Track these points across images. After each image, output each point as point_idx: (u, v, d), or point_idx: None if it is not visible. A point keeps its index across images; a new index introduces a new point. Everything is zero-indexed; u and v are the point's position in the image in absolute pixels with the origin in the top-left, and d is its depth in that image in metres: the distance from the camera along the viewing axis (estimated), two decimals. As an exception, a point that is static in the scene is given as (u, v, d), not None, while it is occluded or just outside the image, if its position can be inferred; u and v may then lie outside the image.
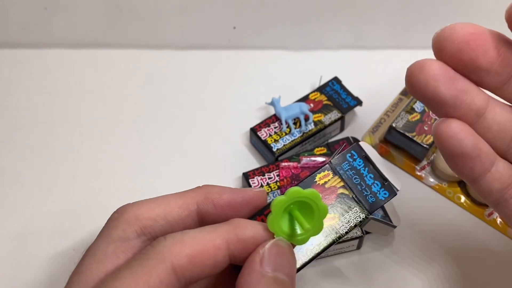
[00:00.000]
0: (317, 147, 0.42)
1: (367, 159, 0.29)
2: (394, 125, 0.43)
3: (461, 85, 0.22)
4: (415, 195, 0.42)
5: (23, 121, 0.47)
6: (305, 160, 0.41)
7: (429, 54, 0.55)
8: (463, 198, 0.42)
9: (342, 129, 0.46)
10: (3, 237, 0.39)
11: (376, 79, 0.50)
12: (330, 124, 0.44)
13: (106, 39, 0.52)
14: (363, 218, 0.27)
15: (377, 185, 0.28)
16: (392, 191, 0.28)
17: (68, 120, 0.47)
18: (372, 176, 0.28)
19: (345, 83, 0.47)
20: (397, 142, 0.44)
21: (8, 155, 0.44)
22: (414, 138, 0.42)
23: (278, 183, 0.39)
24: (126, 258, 0.21)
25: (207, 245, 0.20)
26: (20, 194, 0.42)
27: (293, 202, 0.22)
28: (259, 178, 0.40)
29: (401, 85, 0.49)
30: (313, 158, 0.41)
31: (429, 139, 0.43)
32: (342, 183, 0.28)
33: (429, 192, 0.43)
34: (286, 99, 0.46)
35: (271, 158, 0.42)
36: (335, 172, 0.28)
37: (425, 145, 0.42)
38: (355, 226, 0.27)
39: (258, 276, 0.19)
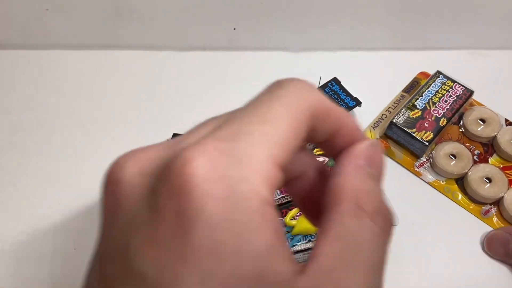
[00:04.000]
0: (317, 147, 0.42)
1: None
2: (394, 120, 0.43)
3: None
4: (412, 191, 0.43)
5: (23, 121, 0.47)
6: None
7: (427, 55, 0.55)
8: (460, 196, 0.42)
9: (341, 129, 0.46)
10: (3, 237, 0.39)
11: (375, 80, 0.50)
12: (329, 125, 0.44)
13: (106, 40, 0.52)
14: None
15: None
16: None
17: (68, 120, 0.47)
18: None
19: (345, 84, 0.47)
20: (397, 138, 0.44)
21: (8, 155, 0.44)
22: (414, 134, 0.43)
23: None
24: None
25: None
26: (20, 194, 0.42)
27: None
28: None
29: (400, 85, 0.50)
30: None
31: (429, 136, 0.43)
32: None
33: (426, 189, 0.43)
34: (286, 99, 0.46)
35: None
36: None
37: (424, 142, 0.43)
38: None
39: (357, 167, 0.20)
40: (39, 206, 0.41)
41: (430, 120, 0.44)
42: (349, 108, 0.45)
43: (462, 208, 0.42)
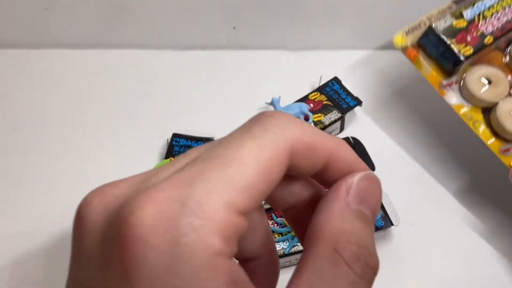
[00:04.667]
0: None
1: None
2: (434, 25, 0.38)
3: None
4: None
5: (23, 121, 0.47)
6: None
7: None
8: (482, 127, 0.37)
9: (342, 129, 0.46)
10: (3, 237, 0.39)
11: (376, 79, 0.50)
12: (330, 124, 0.44)
13: (106, 39, 0.52)
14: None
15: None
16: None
17: (68, 120, 0.47)
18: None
19: (345, 83, 0.47)
20: (430, 49, 0.38)
21: (8, 155, 0.44)
22: (452, 46, 0.37)
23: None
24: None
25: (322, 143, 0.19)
26: (20, 194, 0.42)
27: None
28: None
29: (400, 85, 0.49)
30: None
31: (468, 51, 0.37)
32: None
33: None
34: (286, 99, 0.46)
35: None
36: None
37: (461, 56, 0.37)
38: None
39: (342, 205, 0.19)
40: (39, 206, 0.41)
41: (474, 35, 0.38)
42: (350, 107, 0.45)
43: (481, 141, 0.38)
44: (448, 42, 0.37)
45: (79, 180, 0.43)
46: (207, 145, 0.19)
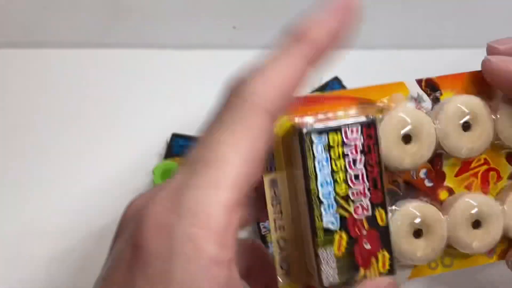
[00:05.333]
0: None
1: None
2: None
3: None
4: None
5: (23, 121, 0.47)
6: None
7: (429, 54, 0.55)
8: None
9: (342, 129, 0.46)
10: (3, 237, 0.39)
11: (377, 79, 0.50)
12: (330, 124, 0.44)
13: (105, 38, 0.52)
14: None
15: None
16: None
17: (68, 120, 0.47)
18: None
19: (346, 83, 0.47)
20: None
21: (8, 155, 0.44)
22: None
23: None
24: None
25: (295, 74, 0.20)
26: (20, 194, 0.42)
27: None
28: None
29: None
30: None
31: None
32: None
33: None
34: (286, 99, 0.46)
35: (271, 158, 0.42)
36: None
37: None
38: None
39: None
40: (38, 207, 0.41)
41: None
42: (350, 107, 0.45)
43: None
44: None
45: (78, 180, 0.43)
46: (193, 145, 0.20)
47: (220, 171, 0.17)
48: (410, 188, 0.26)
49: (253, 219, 0.24)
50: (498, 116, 0.26)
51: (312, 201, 0.22)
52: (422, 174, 0.26)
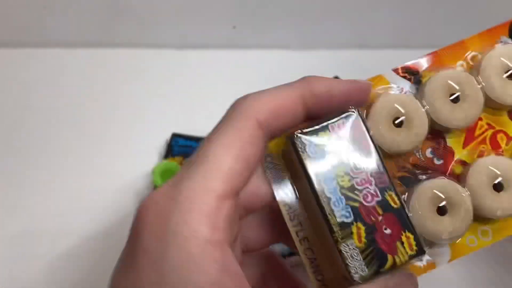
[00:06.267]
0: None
1: None
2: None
3: None
4: None
5: (23, 121, 0.47)
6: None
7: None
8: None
9: (342, 129, 0.46)
10: (3, 237, 0.39)
11: (377, 79, 0.50)
12: (330, 124, 0.44)
13: (105, 38, 0.52)
14: None
15: None
16: None
17: (67, 120, 0.47)
18: None
19: (346, 82, 0.47)
20: None
21: (8, 155, 0.44)
22: None
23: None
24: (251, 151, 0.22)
25: (285, 100, 0.22)
26: (20, 194, 0.42)
27: None
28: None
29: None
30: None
31: None
32: None
33: None
34: (286, 99, 0.46)
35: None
36: None
37: None
38: None
39: None
40: (38, 207, 0.41)
41: None
42: (350, 107, 0.45)
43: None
44: None
45: (78, 180, 0.43)
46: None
47: (212, 165, 0.20)
48: (421, 170, 0.26)
49: (273, 240, 0.26)
50: (481, 78, 0.26)
51: (320, 200, 0.22)
52: (428, 153, 0.26)
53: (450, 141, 0.26)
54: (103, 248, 0.39)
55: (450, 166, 0.26)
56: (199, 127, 0.46)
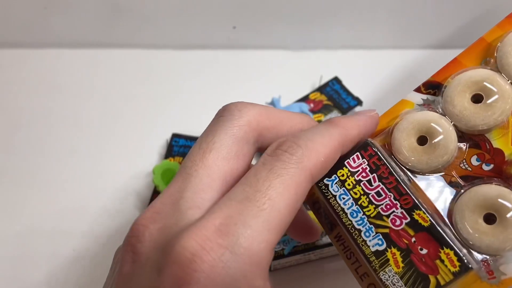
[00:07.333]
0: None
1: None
2: None
3: None
4: None
5: (23, 121, 0.47)
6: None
7: (429, 54, 0.55)
8: None
9: (342, 129, 0.46)
10: (3, 237, 0.39)
11: (377, 79, 0.50)
12: (330, 124, 0.44)
13: (105, 38, 0.52)
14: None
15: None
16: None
17: (67, 120, 0.47)
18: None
19: (345, 83, 0.47)
20: None
21: (7, 155, 0.44)
22: None
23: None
24: (245, 162, 0.22)
25: (332, 150, 0.22)
26: (20, 194, 0.42)
27: None
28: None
29: (401, 84, 0.49)
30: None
31: None
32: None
33: None
34: (286, 99, 0.46)
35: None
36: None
37: None
38: None
39: None
40: (38, 207, 0.41)
41: None
42: (350, 107, 0.45)
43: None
44: None
45: (78, 180, 0.43)
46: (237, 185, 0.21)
47: (269, 214, 0.19)
48: (470, 180, 0.24)
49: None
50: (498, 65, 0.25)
51: (352, 234, 0.23)
52: (474, 161, 0.25)
53: (495, 142, 0.25)
54: (103, 248, 0.39)
55: (504, 168, 0.24)
56: (199, 127, 0.46)
